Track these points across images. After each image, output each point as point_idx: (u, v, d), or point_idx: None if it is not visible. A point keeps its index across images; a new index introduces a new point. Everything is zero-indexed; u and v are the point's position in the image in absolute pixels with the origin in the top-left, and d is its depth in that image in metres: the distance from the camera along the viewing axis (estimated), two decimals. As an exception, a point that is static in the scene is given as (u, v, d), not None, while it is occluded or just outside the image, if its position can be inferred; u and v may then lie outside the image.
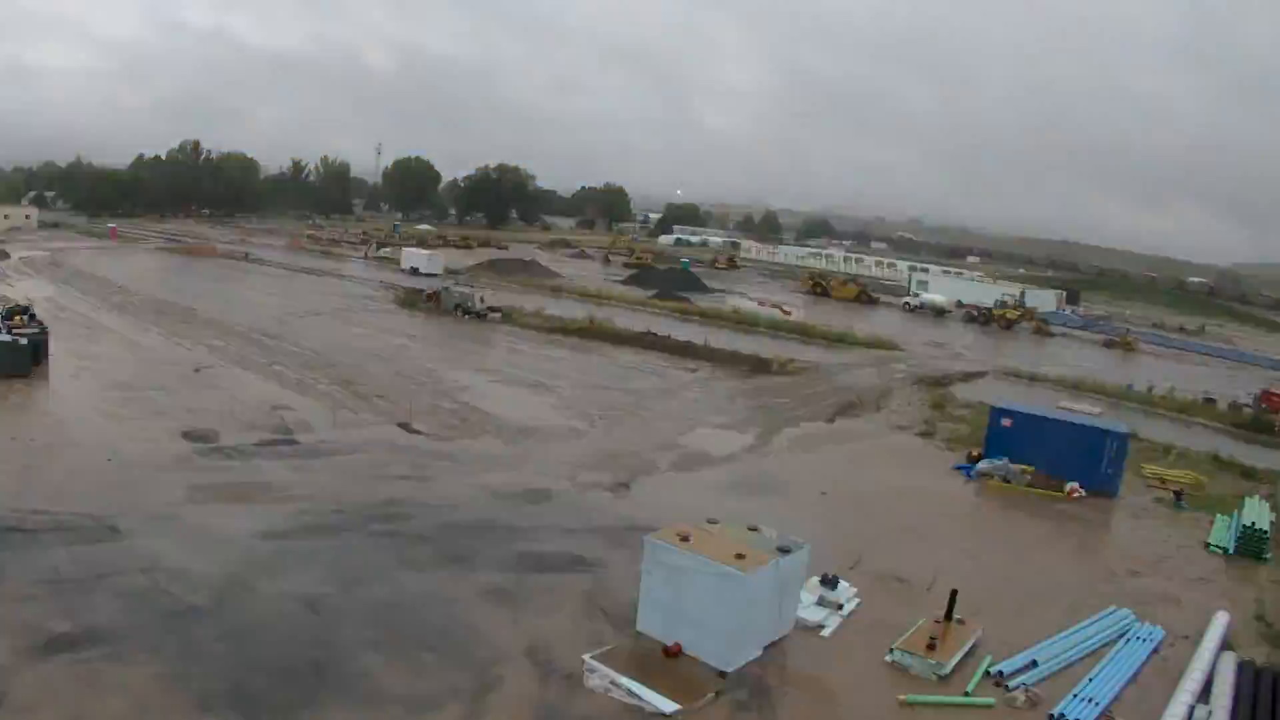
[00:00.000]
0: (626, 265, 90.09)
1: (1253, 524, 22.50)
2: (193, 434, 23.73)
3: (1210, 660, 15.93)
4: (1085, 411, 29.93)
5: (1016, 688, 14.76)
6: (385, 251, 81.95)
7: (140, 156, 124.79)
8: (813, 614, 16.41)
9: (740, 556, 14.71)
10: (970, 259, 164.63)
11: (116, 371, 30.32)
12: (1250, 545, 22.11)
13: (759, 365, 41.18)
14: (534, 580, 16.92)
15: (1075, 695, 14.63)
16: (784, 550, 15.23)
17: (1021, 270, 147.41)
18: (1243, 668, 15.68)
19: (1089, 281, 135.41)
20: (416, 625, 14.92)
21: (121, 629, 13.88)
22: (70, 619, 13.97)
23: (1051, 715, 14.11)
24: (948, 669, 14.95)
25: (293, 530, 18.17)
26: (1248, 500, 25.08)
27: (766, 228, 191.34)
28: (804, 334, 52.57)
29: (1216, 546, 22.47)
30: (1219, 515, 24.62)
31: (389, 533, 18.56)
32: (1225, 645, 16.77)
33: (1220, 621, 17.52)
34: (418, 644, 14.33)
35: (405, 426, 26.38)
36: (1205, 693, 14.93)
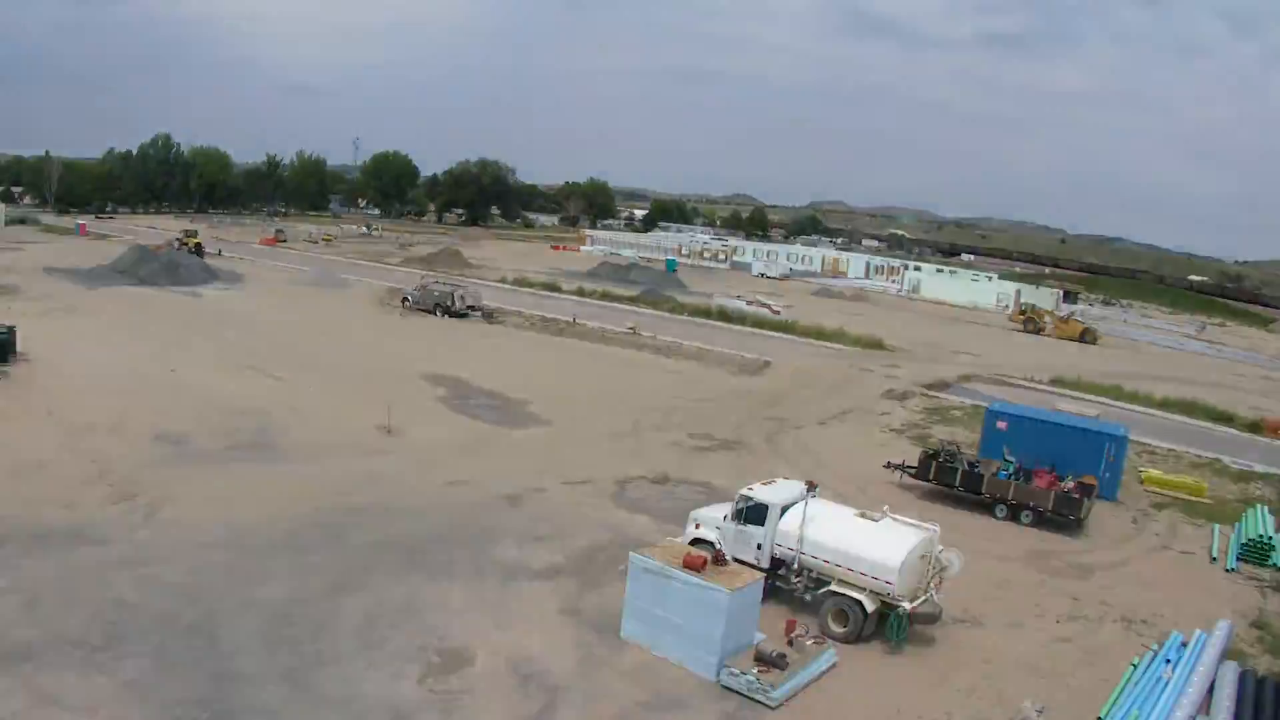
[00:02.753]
0: None
1: (1259, 533, 22.14)
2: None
3: (1211, 669, 15.49)
4: (1083, 413, 29.30)
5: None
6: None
7: (111, 150, 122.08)
8: None
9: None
10: (965, 256, 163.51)
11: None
12: (1255, 554, 21.69)
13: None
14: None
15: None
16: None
17: (1017, 269, 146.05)
18: (1244, 677, 15.23)
19: (1088, 280, 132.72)
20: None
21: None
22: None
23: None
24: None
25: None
26: (1250, 508, 24.67)
27: (754, 224, 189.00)
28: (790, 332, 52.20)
29: (1218, 555, 22.07)
30: (1217, 525, 24.16)
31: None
32: (1226, 654, 16.34)
33: (1221, 630, 17.09)
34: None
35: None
36: (1206, 702, 14.48)
